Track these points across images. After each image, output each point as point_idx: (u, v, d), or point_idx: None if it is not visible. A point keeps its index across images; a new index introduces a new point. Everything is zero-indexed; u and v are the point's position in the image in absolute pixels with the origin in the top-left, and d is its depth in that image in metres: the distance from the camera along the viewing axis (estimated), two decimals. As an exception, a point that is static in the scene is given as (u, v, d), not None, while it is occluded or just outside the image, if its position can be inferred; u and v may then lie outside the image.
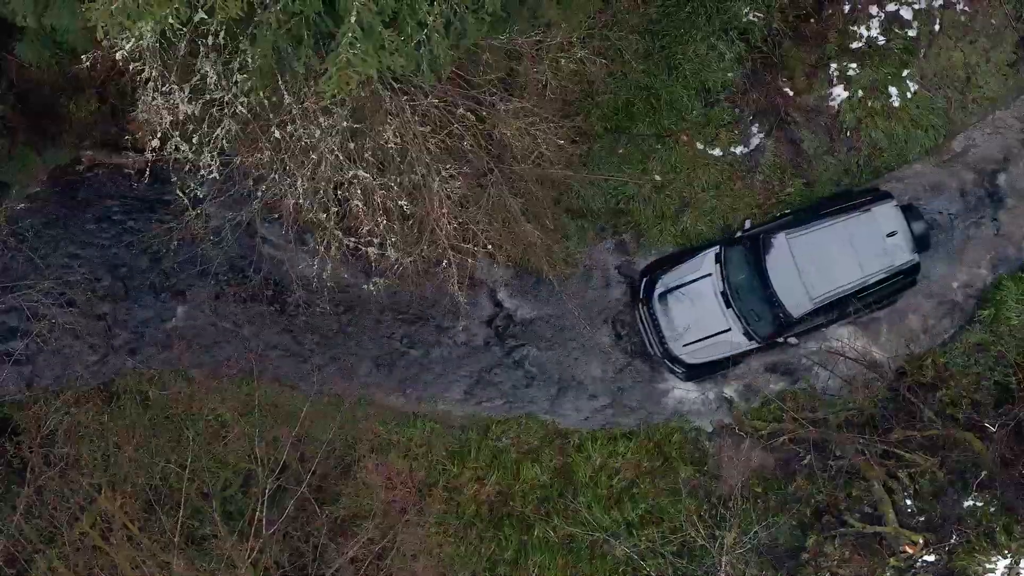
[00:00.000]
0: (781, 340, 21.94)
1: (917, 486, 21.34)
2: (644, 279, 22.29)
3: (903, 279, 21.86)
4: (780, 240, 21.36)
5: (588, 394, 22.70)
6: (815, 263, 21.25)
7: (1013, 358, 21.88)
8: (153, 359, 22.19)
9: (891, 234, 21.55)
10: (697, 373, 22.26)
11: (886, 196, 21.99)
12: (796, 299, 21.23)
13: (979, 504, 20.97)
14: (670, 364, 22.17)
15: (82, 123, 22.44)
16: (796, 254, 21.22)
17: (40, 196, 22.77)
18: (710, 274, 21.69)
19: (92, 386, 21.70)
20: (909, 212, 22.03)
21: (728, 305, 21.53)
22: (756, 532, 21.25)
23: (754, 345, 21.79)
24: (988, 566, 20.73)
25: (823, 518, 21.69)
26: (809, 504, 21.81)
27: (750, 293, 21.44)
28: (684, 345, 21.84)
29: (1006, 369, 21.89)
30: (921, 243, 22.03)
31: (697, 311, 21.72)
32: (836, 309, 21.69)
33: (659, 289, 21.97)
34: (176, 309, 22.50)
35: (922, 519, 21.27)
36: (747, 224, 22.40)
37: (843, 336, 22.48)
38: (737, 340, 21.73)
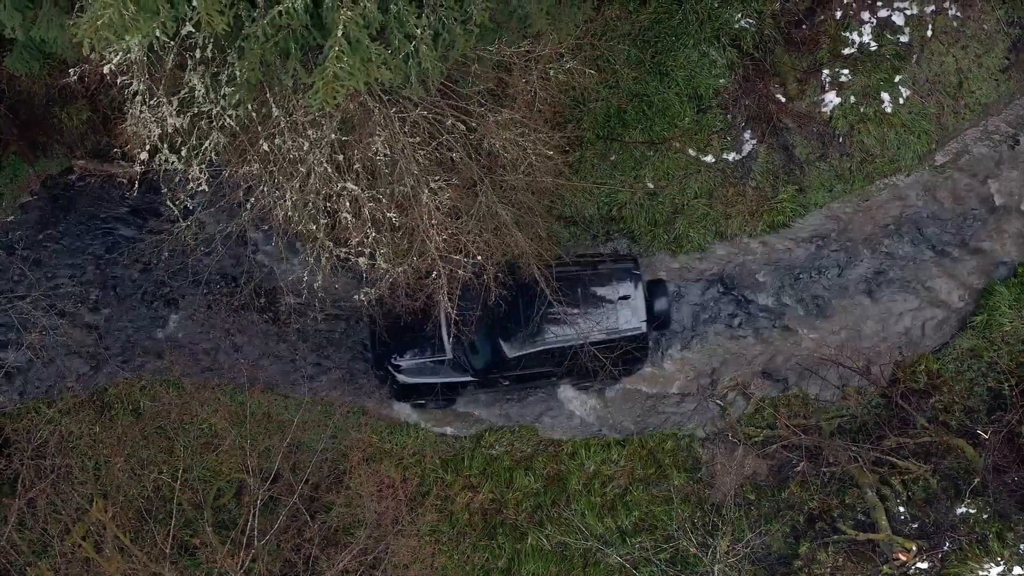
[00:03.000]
0: (497, 377, 21.53)
1: (910, 493, 21.34)
2: None
3: (628, 350, 21.22)
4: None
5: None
6: (539, 309, 20.57)
7: (1006, 364, 21.89)
8: (145, 369, 22.18)
9: (623, 298, 21.06)
10: (408, 393, 21.86)
11: (631, 261, 21.66)
12: (514, 340, 20.82)
13: (972, 511, 20.97)
14: (389, 381, 21.87)
15: (74, 132, 22.48)
16: (522, 296, 20.45)
17: (31, 206, 22.76)
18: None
19: (84, 396, 21.69)
20: (656, 287, 21.84)
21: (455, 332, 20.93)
22: (749, 539, 21.26)
23: (468, 378, 21.50)
24: (981, 573, 20.73)
25: (816, 525, 21.69)
26: (802, 511, 21.81)
27: (475, 325, 20.59)
28: (398, 360, 21.49)
29: (999, 375, 21.90)
30: (659, 320, 21.75)
31: (422, 332, 21.14)
32: (558, 362, 21.10)
33: None
34: (168, 318, 22.49)
35: (915, 526, 21.27)
36: None
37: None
38: (452, 369, 21.41)
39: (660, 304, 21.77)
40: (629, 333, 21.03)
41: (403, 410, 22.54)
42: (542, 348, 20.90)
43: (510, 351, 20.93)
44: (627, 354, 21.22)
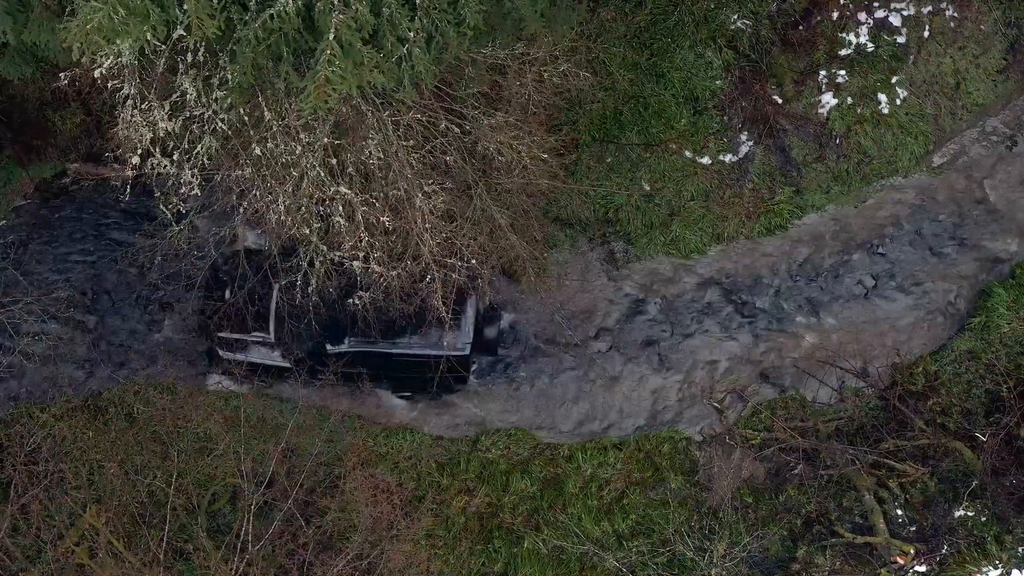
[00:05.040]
0: (314, 368, 21.46)
1: (908, 496, 21.28)
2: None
3: (449, 368, 21.17)
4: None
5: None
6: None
7: (1004, 366, 21.81)
8: (139, 373, 22.08)
9: (453, 319, 20.55)
10: (227, 369, 21.80)
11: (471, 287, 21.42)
12: (337, 335, 20.75)
13: (970, 514, 20.92)
14: (209, 350, 21.82)
15: (67, 136, 22.43)
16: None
17: (25, 209, 22.67)
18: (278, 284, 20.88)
19: (77, 401, 21.58)
20: (491, 311, 21.89)
21: (282, 319, 20.92)
22: (746, 543, 21.18)
23: (287, 364, 21.45)
24: (979, 576, 20.72)
25: (814, 528, 21.63)
26: (799, 514, 21.75)
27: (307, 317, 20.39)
28: (220, 336, 21.41)
29: (997, 377, 21.82)
30: (486, 347, 22.02)
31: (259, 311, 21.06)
32: (379, 368, 21.22)
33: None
34: (163, 322, 22.39)
35: (913, 529, 21.21)
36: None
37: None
38: (273, 353, 21.46)
39: (490, 332, 22.06)
40: (453, 353, 21.04)
41: (221, 381, 22.22)
42: (362, 350, 20.85)
43: (331, 348, 20.91)
44: (449, 371, 21.23)
